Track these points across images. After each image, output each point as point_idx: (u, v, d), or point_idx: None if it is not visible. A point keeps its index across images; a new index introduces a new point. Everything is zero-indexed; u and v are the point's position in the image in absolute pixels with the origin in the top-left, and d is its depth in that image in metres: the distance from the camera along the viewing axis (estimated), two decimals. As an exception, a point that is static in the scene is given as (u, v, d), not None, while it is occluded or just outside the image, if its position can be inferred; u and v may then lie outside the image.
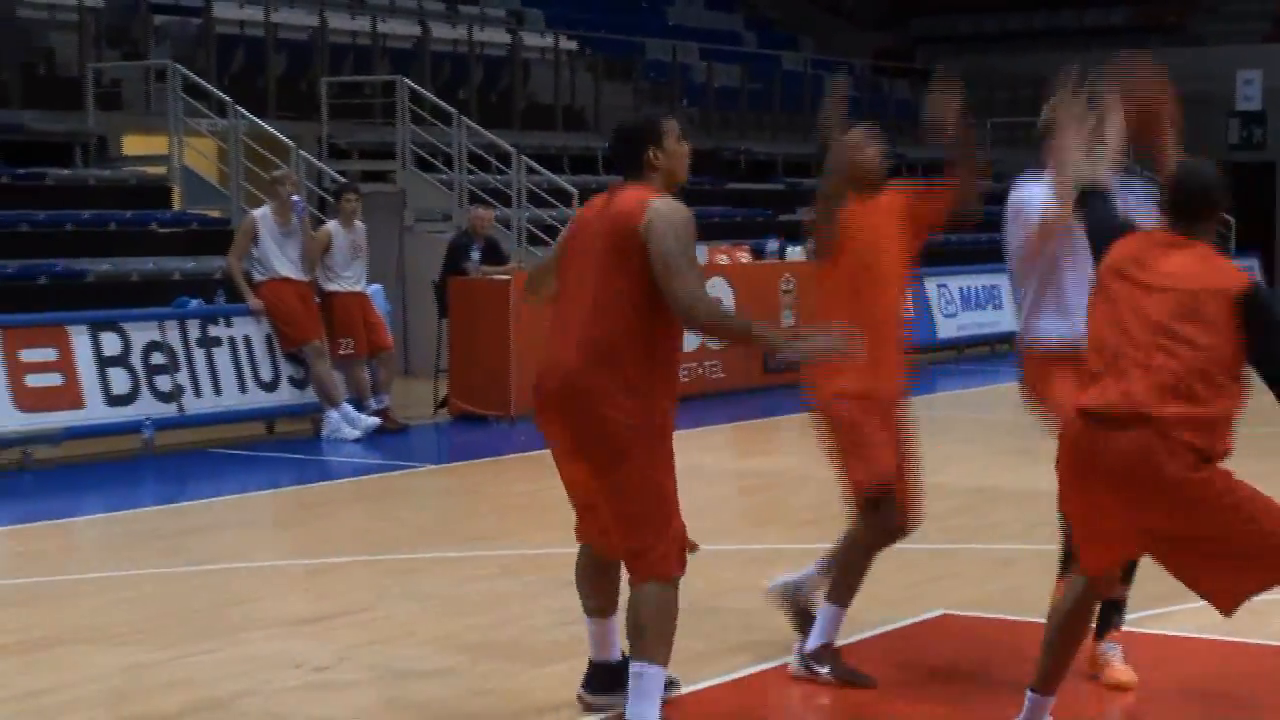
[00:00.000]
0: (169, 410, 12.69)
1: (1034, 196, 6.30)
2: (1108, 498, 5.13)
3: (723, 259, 16.98)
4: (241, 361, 13.25)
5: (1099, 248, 5.45)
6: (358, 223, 13.97)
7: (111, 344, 12.42)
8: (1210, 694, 6.35)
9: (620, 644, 5.92)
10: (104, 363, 12.34)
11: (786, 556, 7.92)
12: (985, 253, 22.36)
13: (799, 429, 15.14)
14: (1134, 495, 5.07)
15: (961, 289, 20.94)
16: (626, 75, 24.41)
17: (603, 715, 5.89)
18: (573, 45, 23.45)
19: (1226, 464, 5.13)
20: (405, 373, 16.53)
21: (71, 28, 17.76)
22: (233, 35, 19.37)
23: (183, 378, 12.81)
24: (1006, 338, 20.70)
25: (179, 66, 16.96)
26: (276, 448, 13.22)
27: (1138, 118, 5.93)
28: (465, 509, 11.04)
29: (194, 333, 12.99)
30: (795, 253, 17.80)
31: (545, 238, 17.26)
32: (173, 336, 12.83)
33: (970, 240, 22.40)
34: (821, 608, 6.43)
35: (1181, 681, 6.44)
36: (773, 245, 18.01)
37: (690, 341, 16.17)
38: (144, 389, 12.55)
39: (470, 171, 18.33)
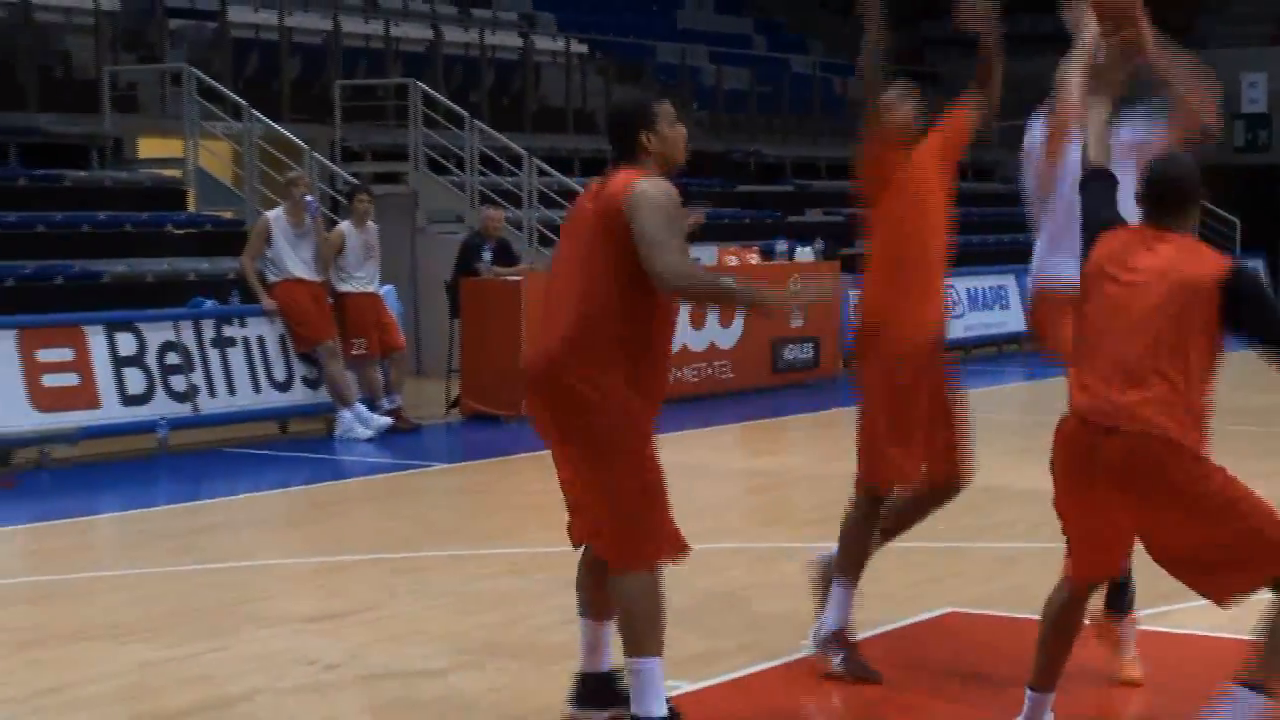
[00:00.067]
0: (184, 410, 12.78)
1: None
2: (1107, 496, 5.16)
3: (732, 260, 17.04)
4: (255, 361, 13.33)
5: (1086, 241, 5.51)
6: (370, 224, 14.04)
7: (127, 344, 12.50)
8: (1214, 691, 6.38)
9: (611, 656, 5.83)
10: (119, 363, 12.43)
11: (793, 556, 7.97)
12: (991, 254, 22.43)
13: (807, 429, 15.32)
14: (1134, 493, 5.11)
15: (968, 290, 20.96)
16: (637, 78, 24.43)
17: (604, 714, 5.84)
18: (584, 48, 23.49)
19: (1227, 464, 5.17)
20: (417, 373, 16.62)
21: (88, 31, 17.83)
22: (247, 39, 19.43)
23: (197, 378, 12.90)
24: (1013, 338, 20.79)
25: (194, 70, 17.06)
26: (290, 447, 13.30)
27: (1111, 21, 6.09)
28: (476, 508, 11.10)
29: (208, 333, 13.07)
30: (805, 254, 17.87)
31: (556, 239, 17.30)
32: (187, 337, 12.92)
33: (977, 241, 22.44)
34: (833, 586, 6.48)
35: (1186, 679, 6.44)
36: (782, 246, 18.04)
37: (699, 342, 16.55)
38: (159, 389, 12.64)
39: (482, 173, 18.40)
